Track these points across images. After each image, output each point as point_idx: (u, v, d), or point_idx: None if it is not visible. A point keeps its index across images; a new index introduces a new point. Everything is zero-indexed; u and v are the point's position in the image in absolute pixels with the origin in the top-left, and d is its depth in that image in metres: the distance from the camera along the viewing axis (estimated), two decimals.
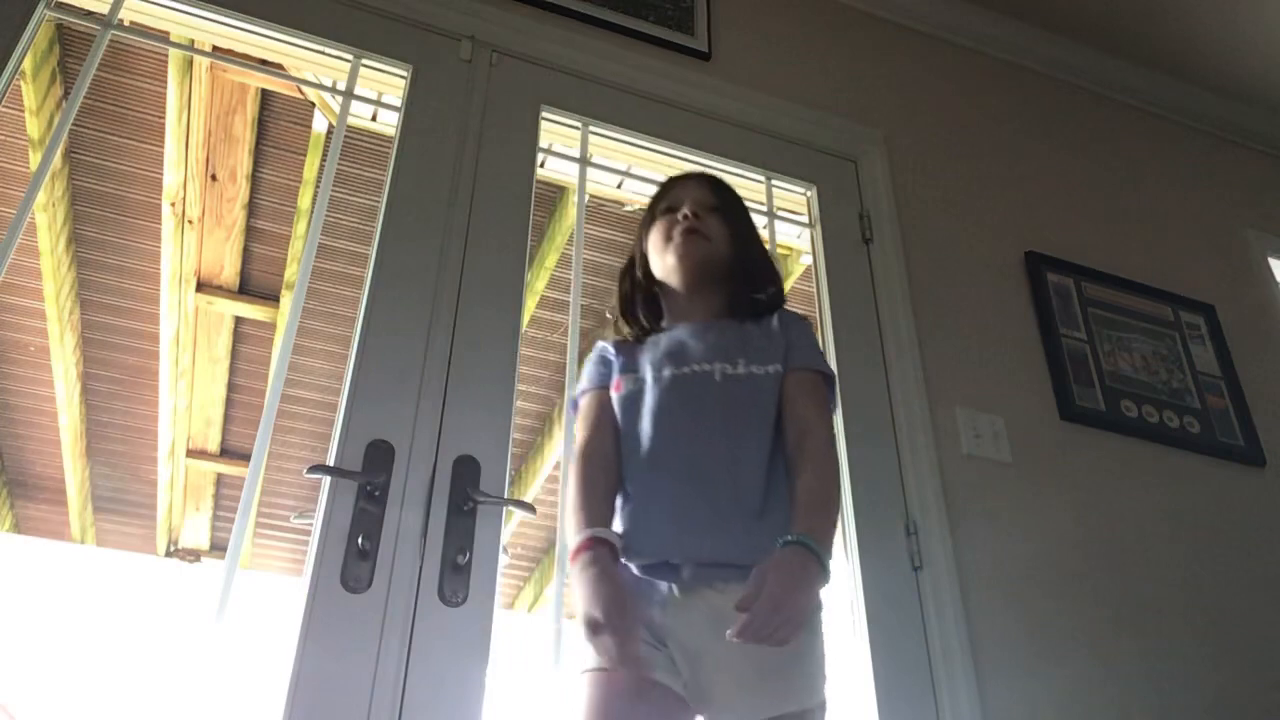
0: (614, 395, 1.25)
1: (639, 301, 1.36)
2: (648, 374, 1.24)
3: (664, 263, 1.32)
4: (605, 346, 1.33)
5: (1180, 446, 2.15)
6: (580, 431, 1.27)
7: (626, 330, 1.37)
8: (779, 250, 2.45)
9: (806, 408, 1.20)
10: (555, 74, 2.05)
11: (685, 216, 1.30)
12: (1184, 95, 2.91)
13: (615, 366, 1.28)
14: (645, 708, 1.06)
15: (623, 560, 1.12)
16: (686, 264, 1.29)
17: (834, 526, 1.10)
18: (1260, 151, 3.01)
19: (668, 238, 1.31)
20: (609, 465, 1.21)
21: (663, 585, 1.12)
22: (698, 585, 1.10)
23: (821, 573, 1.02)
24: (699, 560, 1.10)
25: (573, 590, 1.08)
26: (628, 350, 1.30)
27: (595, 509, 1.16)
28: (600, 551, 1.09)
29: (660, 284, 1.34)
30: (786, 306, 1.34)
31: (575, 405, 1.32)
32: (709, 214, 1.32)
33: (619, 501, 1.20)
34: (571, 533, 1.14)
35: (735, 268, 1.32)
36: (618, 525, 1.17)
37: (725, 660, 1.05)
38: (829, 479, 1.14)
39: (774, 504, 1.13)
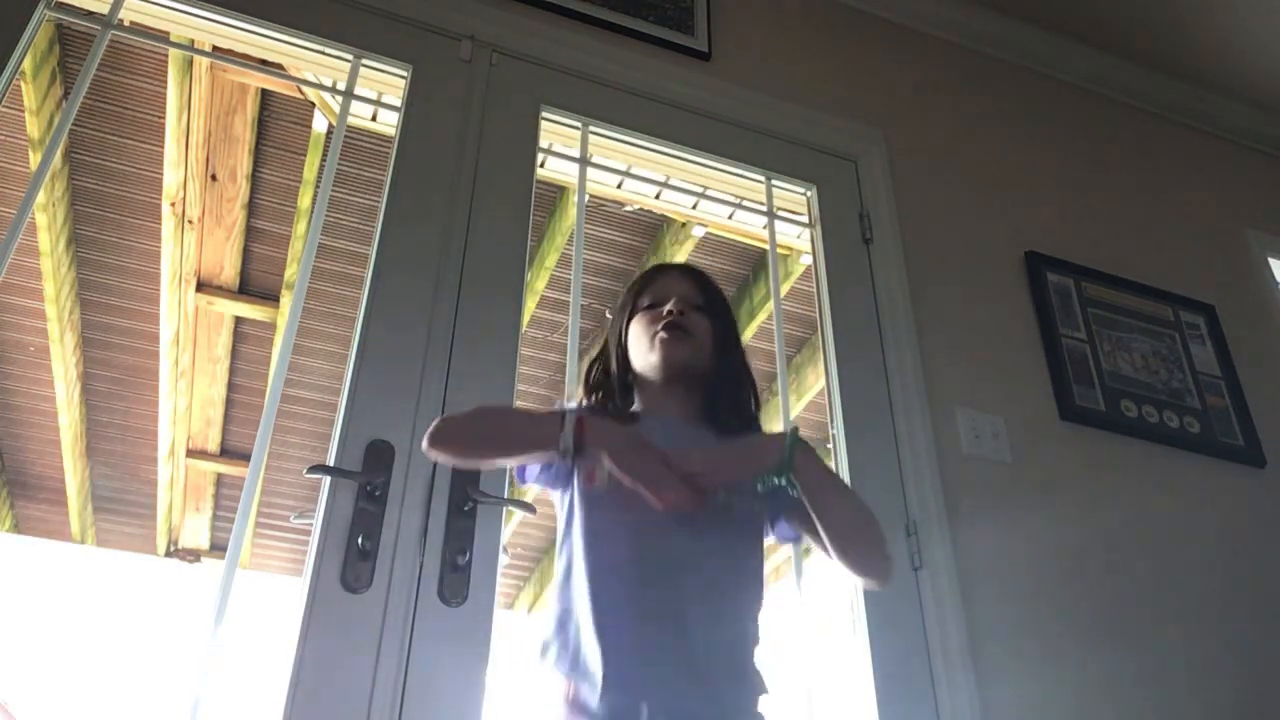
0: (589, 492, 1.14)
1: (612, 391, 1.29)
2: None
3: (645, 359, 1.26)
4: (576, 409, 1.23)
5: (1180, 446, 2.15)
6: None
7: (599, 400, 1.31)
8: (779, 250, 2.45)
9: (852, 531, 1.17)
10: (555, 74, 2.05)
11: (670, 312, 1.26)
12: (1184, 95, 2.91)
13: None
14: None
15: (570, 697, 1.04)
16: (669, 363, 1.24)
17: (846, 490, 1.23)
18: (1260, 152, 3.01)
19: (652, 334, 1.25)
20: None
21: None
22: None
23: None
24: (669, 712, 1.01)
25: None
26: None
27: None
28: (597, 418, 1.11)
29: (635, 375, 1.29)
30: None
31: (521, 477, 1.25)
32: (694, 312, 1.28)
33: (570, 619, 1.09)
34: (537, 418, 1.14)
35: (717, 370, 1.28)
36: (565, 657, 1.07)
37: None
38: (862, 508, 1.18)
39: (752, 666, 1.09)
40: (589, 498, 1.14)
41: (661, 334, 1.25)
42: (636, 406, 1.28)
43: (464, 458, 1.25)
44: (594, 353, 1.37)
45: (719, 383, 1.28)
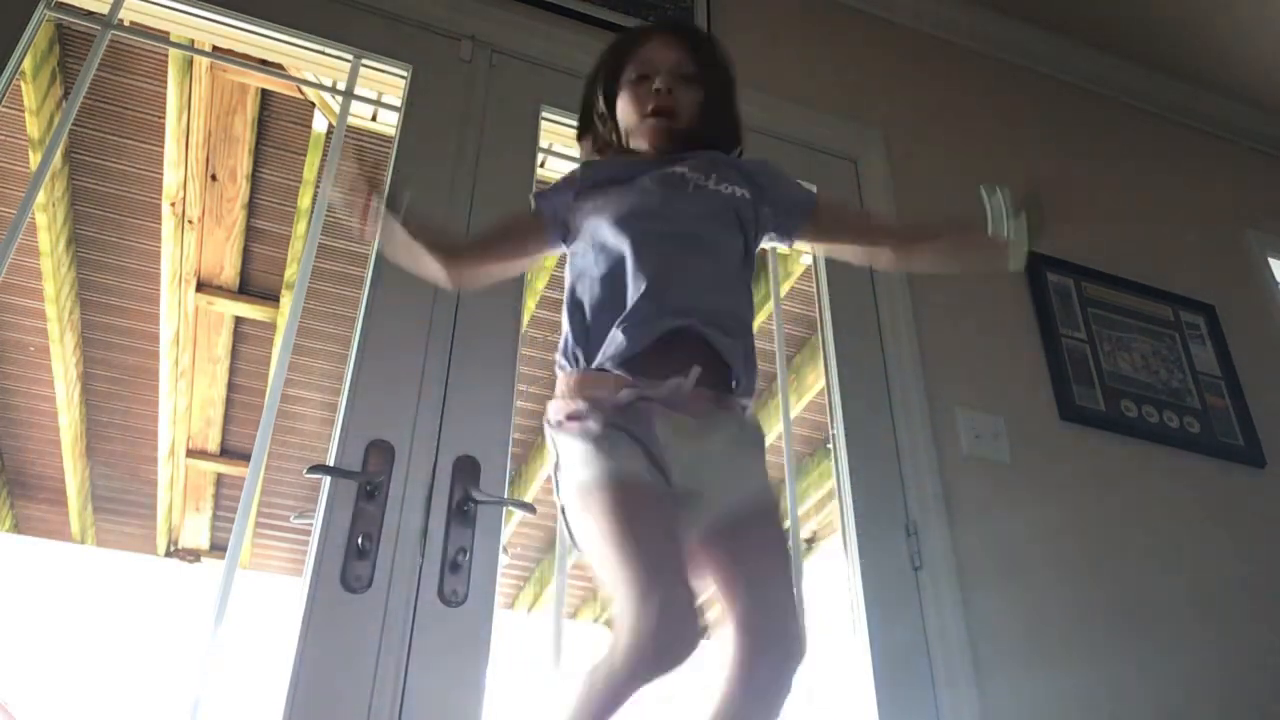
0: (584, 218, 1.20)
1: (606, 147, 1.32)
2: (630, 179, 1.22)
3: (634, 135, 1.27)
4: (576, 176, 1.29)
5: (1180, 446, 2.15)
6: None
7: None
8: (779, 251, 2.45)
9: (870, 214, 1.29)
10: (555, 74, 2.05)
11: (657, 91, 1.23)
12: (1184, 95, 2.91)
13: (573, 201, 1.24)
14: (669, 513, 1.03)
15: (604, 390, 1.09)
16: (660, 147, 1.24)
17: None
18: (1260, 151, 3.01)
19: (639, 113, 1.24)
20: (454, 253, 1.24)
21: (660, 407, 1.08)
22: (700, 405, 1.09)
23: None
24: (711, 319, 1.10)
25: None
26: (589, 175, 1.27)
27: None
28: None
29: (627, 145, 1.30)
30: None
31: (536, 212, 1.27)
32: (682, 84, 1.24)
33: (587, 310, 1.17)
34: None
35: (705, 134, 1.26)
36: (589, 342, 1.14)
37: (715, 462, 1.08)
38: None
39: (747, 327, 1.17)
40: (597, 207, 1.19)
41: (650, 119, 1.22)
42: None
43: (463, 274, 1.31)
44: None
45: (707, 141, 1.27)
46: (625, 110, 1.26)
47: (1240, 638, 1.93)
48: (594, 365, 1.11)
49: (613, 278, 1.14)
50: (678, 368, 1.08)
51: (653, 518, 1.00)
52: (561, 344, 1.17)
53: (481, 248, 1.30)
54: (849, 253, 1.40)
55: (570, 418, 1.09)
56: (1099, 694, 1.74)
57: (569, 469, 1.07)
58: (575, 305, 1.17)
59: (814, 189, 1.34)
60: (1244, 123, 2.98)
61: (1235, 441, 2.22)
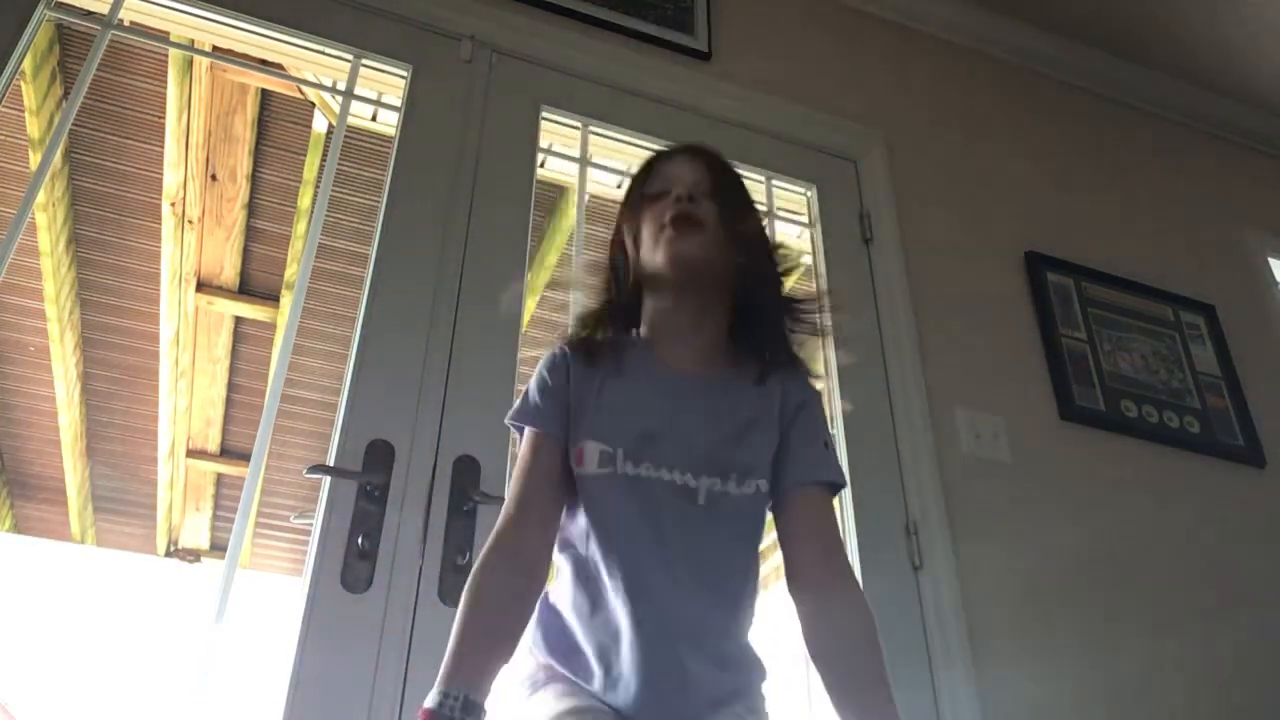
0: (576, 469, 1.01)
1: (610, 315, 1.11)
2: (619, 456, 1.00)
3: (652, 261, 1.07)
4: (566, 359, 1.07)
5: (1180, 446, 2.15)
6: (515, 493, 1.01)
7: (591, 329, 1.11)
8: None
9: (841, 550, 1.02)
10: (555, 74, 2.05)
11: (679, 199, 1.07)
12: (1184, 95, 2.91)
13: (572, 405, 1.04)
14: None
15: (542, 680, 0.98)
16: (679, 262, 1.05)
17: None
18: (1260, 152, 3.01)
19: (659, 226, 1.07)
20: (532, 580, 0.97)
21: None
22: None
23: None
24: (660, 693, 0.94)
25: None
26: (591, 381, 1.05)
27: (479, 652, 0.90)
28: None
29: (643, 277, 1.10)
30: (798, 368, 1.10)
31: (518, 429, 1.06)
32: (706, 200, 1.09)
33: (559, 601, 1.01)
34: (440, 673, 0.88)
35: (739, 277, 1.09)
36: (552, 650, 0.99)
37: None
38: (880, 645, 0.96)
39: (745, 661, 1.01)
40: (586, 483, 1.00)
41: (668, 230, 1.06)
42: (643, 331, 1.10)
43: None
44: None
45: (742, 292, 1.08)
46: (643, 234, 1.09)
47: (1241, 637, 1.93)
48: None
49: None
50: None
51: None
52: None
53: (542, 528, 1.02)
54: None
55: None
56: (1098, 693, 1.74)
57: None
58: None
59: (831, 471, 1.06)
60: (1244, 123, 2.98)
61: (1235, 441, 2.22)
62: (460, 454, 1.52)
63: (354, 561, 1.39)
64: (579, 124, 2.05)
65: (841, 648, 0.95)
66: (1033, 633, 1.76)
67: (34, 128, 2.98)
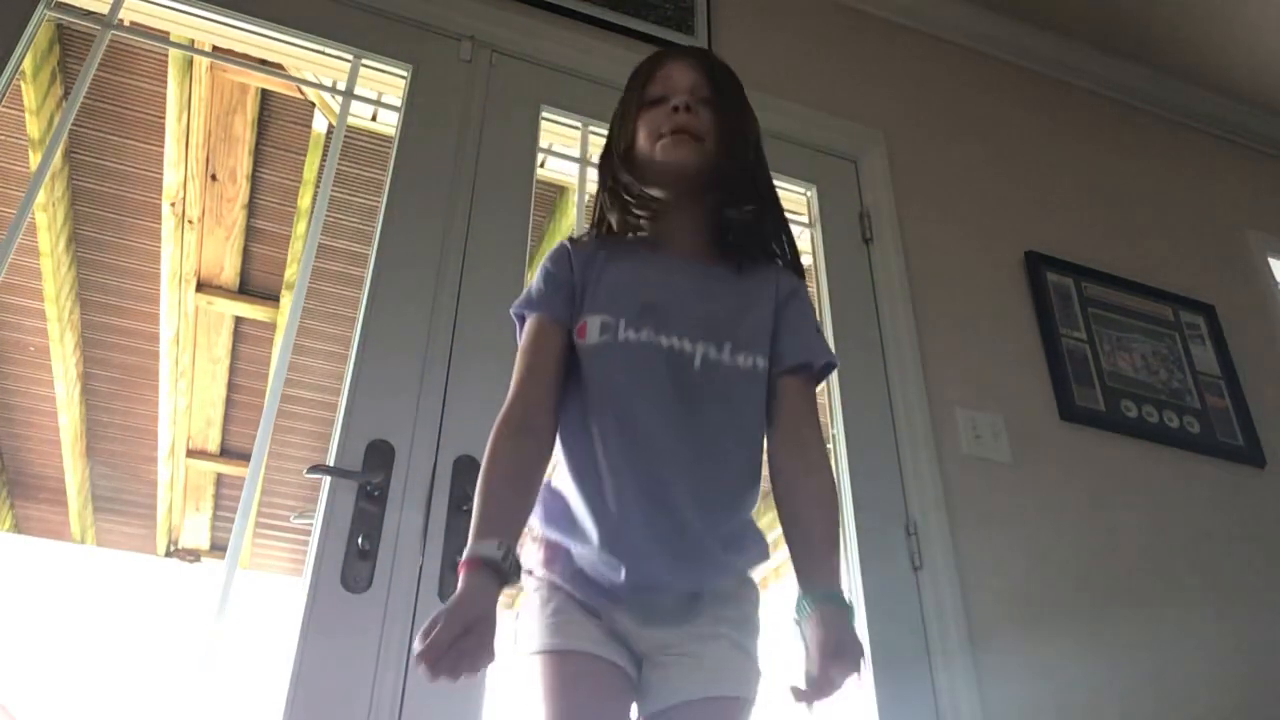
0: (578, 342, 1.05)
1: (623, 203, 1.13)
2: (620, 325, 1.04)
3: (650, 166, 1.11)
4: (567, 250, 1.12)
5: (1180, 446, 2.15)
6: (518, 373, 1.05)
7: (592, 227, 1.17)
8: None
9: (811, 427, 1.07)
10: (555, 74, 2.05)
11: (677, 109, 1.10)
12: (1184, 95, 2.91)
13: (577, 290, 1.08)
14: (595, 688, 0.97)
15: (549, 566, 1.02)
16: (675, 171, 1.10)
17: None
18: (1260, 152, 3.01)
19: (657, 134, 1.10)
20: (542, 444, 1.02)
21: (606, 586, 1.00)
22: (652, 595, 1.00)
23: (852, 617, 0.96)
24: (655, 591, 0.99)
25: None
26: (594, 264, 1.10)
27: (507, 507, 0.97)
28: (486, 583, 0.89)
29: (643, 175, 1.13)
30: (787, 257, 1.16)
31: (520, 319, 1.11)
32: (704, 107, 1.11)
33: (560, 483, 1.04)
34: (471, 532, 0.94)
35: (725, 175, 1.11)
36: (551, 521, 1.03)
37: (682, 645, 0.99)
38: (836, 510, 1.04)
39: (749, 532, 1.05)
40: (587, 352, 1.04)
41: (664, 138, 1.09)
42: (644, 233, 1.14)
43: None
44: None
45: (731, 195, 1.12)
46: (642, 136, 1.12)
47: (1241, 637, 1.93)
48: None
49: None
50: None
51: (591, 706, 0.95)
52: None
53: (548, 398, 1.05)
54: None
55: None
56: (1099, 693, 1.74)
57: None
58: None
59: (817, 353, 1.10)
60: (1244, 123, 2.98)
61: (1235, 441, 2.22)
62: (460, 454, 1.52)
63: (354, 561, 1.39)
64: (579, 124, 2.05)
65: (802, 521, 1.02)
66: (1033, 632, 1.76)
67: (34, 128, 2.98)
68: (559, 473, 1.07)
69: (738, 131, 1.13)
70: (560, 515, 1.03)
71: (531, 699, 0.97)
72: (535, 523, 1.06)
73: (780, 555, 1.10)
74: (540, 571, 1.04)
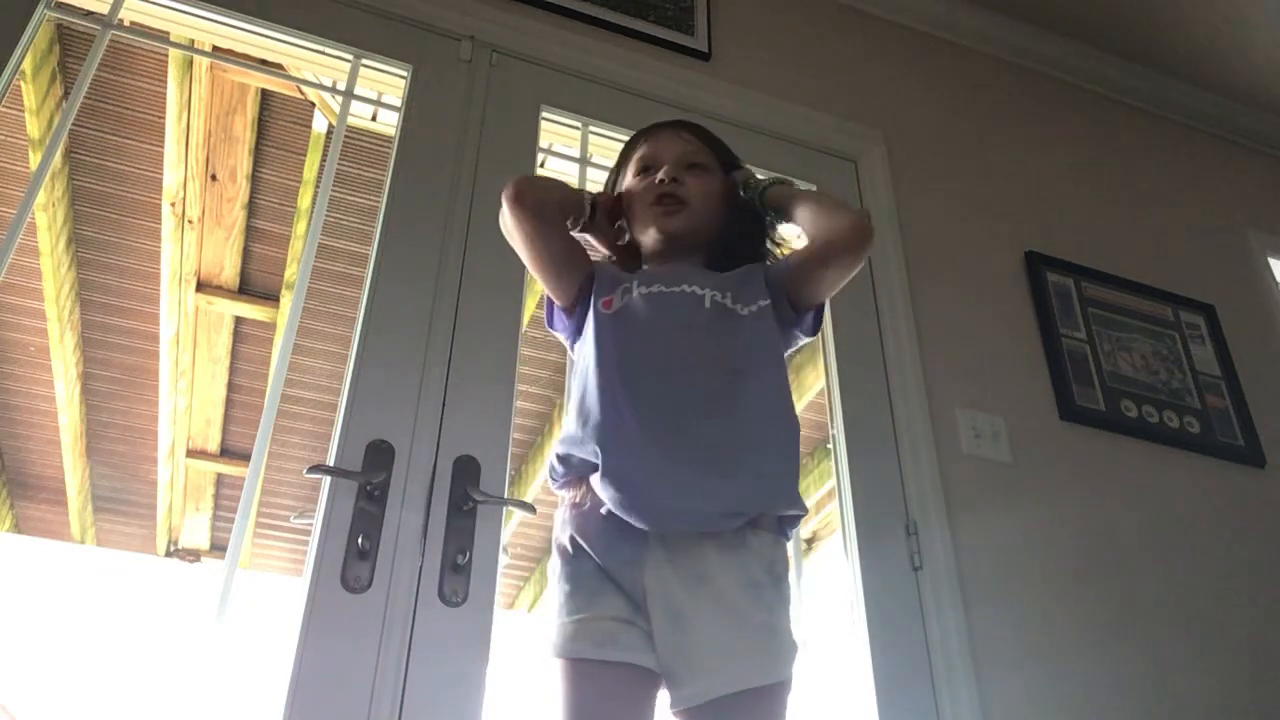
0: (605, 314, 1.17)
1: (620, 258, 1.32)
2: (635, 284, 1.19)
3: (644, 232, 1.26)
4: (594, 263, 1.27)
5: (1180, 446, 2.15)
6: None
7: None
8: (779, 251, 2.45)
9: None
10: (555, 74, 2.05)
11: (662, 181, 1.23)
12: (1184, 95, 2.91)
13: (600, 280, 1.22)
14: (616, 696, 1.00)
15: (586, 501, 1.09)
16: (668, 238, 1.24)
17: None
18: (1261, 152, 3.01)
19: (646, 207, 1.24)
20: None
21: (639, 534, 1.04)
22: (681, 540, 1.04)
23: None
24: (689, 523, 1.04)
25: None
26: (611, 269, 1.26)
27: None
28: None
29: (638, 243, 1.29)
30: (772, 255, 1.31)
31: (552, 321, 1.30)
32: (688, 174, 1.25)
33: (594, 430, 1.09)
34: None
35: (718, 230, 1.27)
36: (568, 443, 1.12)
37: (709, 627, 1.00)
38: (839, 203, 1.26)
39: (774, 459, 1.10)
40: (613, 318, 1.16)
41: (655, 208, 1.23)
42: (645, 266, 1.28)
43: (529, 221, 1.20)
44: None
45: (725, 237, 1.27)
46: (635, 207, 1.27)
47: (1241, 637, 1.93)
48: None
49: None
50: None
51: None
52: None
53: (550, 223, 1.21)
54: (816, 262, 1.23)
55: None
56: (1099, 693, 1.74)
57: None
58: None
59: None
60: (1244, 123, 2.98)
61: (1235, 441, 2.22)
62: (460, 454, 1.52)
63: (354, 561, 1.39)
64: (579, 124, 2.05)
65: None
66: (1033, 633, 1.76)
67: (34, 128, 2.98)
68: (569, 418, 1.15)
69: (724, 186, 1.29)
70: (574, 438, 1.11)
71: (552, 695, 1.02)
72: (557, 465, 1.13)
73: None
74: (565, 532, 1.09)
